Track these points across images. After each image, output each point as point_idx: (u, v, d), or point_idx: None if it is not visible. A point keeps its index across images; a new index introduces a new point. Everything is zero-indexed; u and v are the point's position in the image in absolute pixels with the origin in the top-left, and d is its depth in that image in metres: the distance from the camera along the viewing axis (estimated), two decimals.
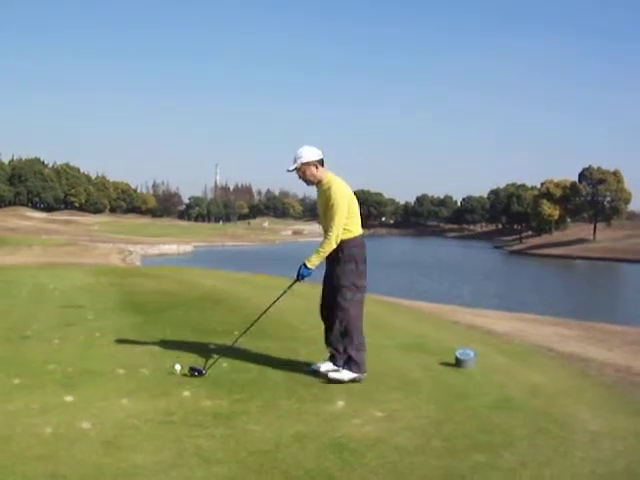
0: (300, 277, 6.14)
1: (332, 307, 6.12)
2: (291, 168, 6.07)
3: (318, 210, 6.34)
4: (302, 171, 6.08)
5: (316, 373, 6.12)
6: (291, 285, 6.32)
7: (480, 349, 7.48)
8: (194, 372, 5.91)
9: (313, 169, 6.07)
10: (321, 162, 6.10)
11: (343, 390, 5.63)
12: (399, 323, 10.09)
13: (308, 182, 6.16)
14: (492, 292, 40.22)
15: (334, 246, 6.01)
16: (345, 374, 5.92)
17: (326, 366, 6.30)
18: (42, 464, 3.85)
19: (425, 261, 70.99)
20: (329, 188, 6.02)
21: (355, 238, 6.09)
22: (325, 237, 6.04)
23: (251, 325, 6.56)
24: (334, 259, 6.10)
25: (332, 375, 5.90)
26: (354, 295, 6.03)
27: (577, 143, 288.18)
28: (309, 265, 6.07)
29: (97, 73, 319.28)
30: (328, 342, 6.27)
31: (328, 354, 6.34)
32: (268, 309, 6.52)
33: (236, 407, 5.07)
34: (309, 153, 6.07)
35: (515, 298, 35.13)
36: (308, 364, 6.40)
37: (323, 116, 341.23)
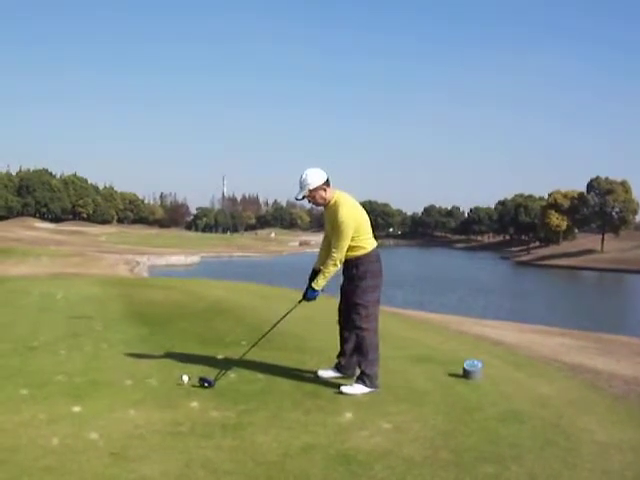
0: (307, 300, 6.22)
1: (348, 320, 6.14)
2: (300, 197, 6.03)
3: (325, 226, 6.35)
4: (312, 196, 6.04)
5: (324, 384, 6.13)
6: (298, 303, 6.35)
7: (488, 360, 7.46)
8: (204, 383, 5.91)
9: (322, 192, 6.04)
10: (327, 183, 6.08)
11: (351, 401, 5.62)
12: (407, 334, 10.07)
13: (317, 205, 6.17)
14: (499, 303, 40.13)
15: (338, 266, 6.05)
16: (358, 388, 5.92)
17: (327, 373, 6.35)
18: (49, 475, 3.85)
19: (433, 273, 70.86)
20: (336, 209, 6.00)
21: (369, 254, 6.09)
22: (329, 258, 6.05)
23: (260, 338, 6.58)
24: (349, 276, 6.12)
25: (344, 389, 5.89)
26: (369, 311, 6.04)
27: (585, 153, 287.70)
28: (316, 287, 6.14)
29: (104, 84, 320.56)
30: (342, 353, 6.30)
31: (335, 362, 6.38)
32: (276, 325, 6.54)
33: (243, 418, 5.06)
34: (315, 178, 6.00)
35: (523, 309, 35.07)
36: (315, 374, 6.42)
37: (330, 127, 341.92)
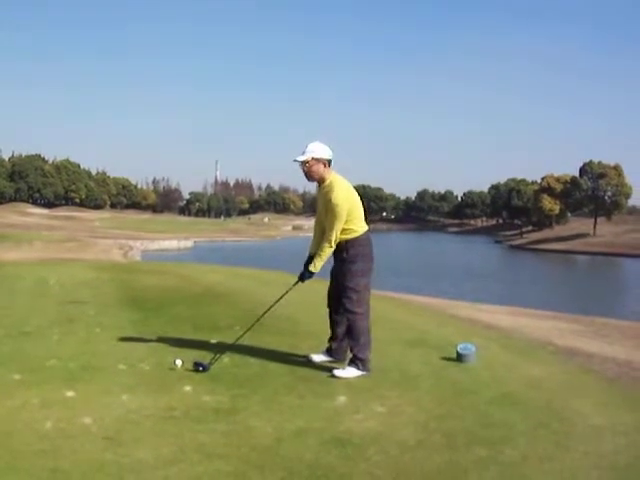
0: (302, 281, 6.26)
1: (338, 304, 6.14)
2: (300, 159, 5.98)
3: (317, 208, 6.33)
4: (309, 165, 6.00)
5: (318, 368, 6.13)
6: (293, 285, 6.36)
7: (481, 344, 7.47)
8: (198, 367, 5.90)
9: (321, 167, 6.01)
10: (329, 162, 6.07)
11: (344, 385, 5.63)
12: (400, 318, 10.08)
13: (310, 178, 6.10)
14: (493, 287, 40.21)
15: (333, 247, 6.04)
16: (351, 372, 5.93)
17: (319, 357, 6.36)
18: (43, 459, 3.85)
19: (426, 257, 70.95)
20: (331, 190, 5.97)
21: (360, 237, 6.08)
22: (324, 240, 6.05)
23: (254, 322, 6.57)
24: (340, 259, 6.11)
25: (337, 373, 5.91)
26: (359, 295, 6.04)
27: (578, 137, 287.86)
28: (313, 270, 6.17)
29: (97, 69, 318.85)
30: (333, 337, 6.30)
31: (326, 346, 6.38)
32: (271, 308, 6.54)
33: (237, 402, 5.06)
34: (321, 150, 6.00)
35: (516, 293, 35.17)
36: (308, 358, 6.43)
37: (323, 111, 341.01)
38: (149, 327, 8.02)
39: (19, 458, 3.86)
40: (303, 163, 6.01)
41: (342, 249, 6.05)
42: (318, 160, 5.99)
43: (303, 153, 5.99)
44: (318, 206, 6.27)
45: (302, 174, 6.11)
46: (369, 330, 6.10)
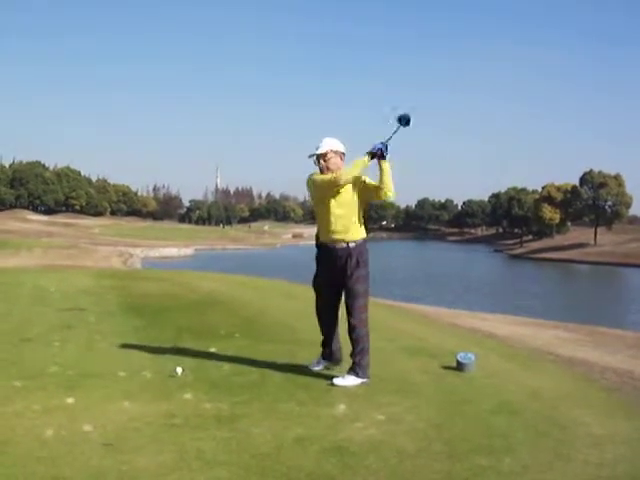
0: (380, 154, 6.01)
1: (332, 309, 6.12)
2: (320, 151, 5.94)
3: (315, 195, 6.17)
4: (328, 158, 5.96)
5: (317, 376, 6.13)
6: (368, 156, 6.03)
7: (481, 353, 7.47)
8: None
9: (339, 159, 6.01)
10: (343, 156, 6.08)
11: (344, 393, 5.63)
12: (400, 326, 10.09)
13: (328, 172, 5.96)
14: (492, 296, 40.20)
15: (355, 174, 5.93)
16: (350, 380, 5.92)
17: (318, 365, 6.38)
18: (43, 466, 3.85)
19: (426, 266, 70.92)
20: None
21: (366, 240, 6.12)
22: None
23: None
24: (341, 265, 6.01)
25: (337, 381, 5.89)
26: (365, 301, 6.05)
27: (578, 147, 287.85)
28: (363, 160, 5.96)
29: (98, 76, 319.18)
30: (327, 342, 6.29)
31: (321, 352, 6.39)
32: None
33: (237, 410, 5.06)
34: (337, 143, 6.04)
35: (516, 302, 35.10)
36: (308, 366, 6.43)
37: (323, 119, 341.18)
38: (149, 334, 8.02)
39: (19, 465, 3.86)
40: (322, 156, 5.96)
41: (351, 252, 5.99)
42: (337, 152, 6.00)
43: (321, 145, 5.98)
44: (320, 192, 6.08)
45: (318, 169, 6.03)
46: (368, 336, 6.09)
